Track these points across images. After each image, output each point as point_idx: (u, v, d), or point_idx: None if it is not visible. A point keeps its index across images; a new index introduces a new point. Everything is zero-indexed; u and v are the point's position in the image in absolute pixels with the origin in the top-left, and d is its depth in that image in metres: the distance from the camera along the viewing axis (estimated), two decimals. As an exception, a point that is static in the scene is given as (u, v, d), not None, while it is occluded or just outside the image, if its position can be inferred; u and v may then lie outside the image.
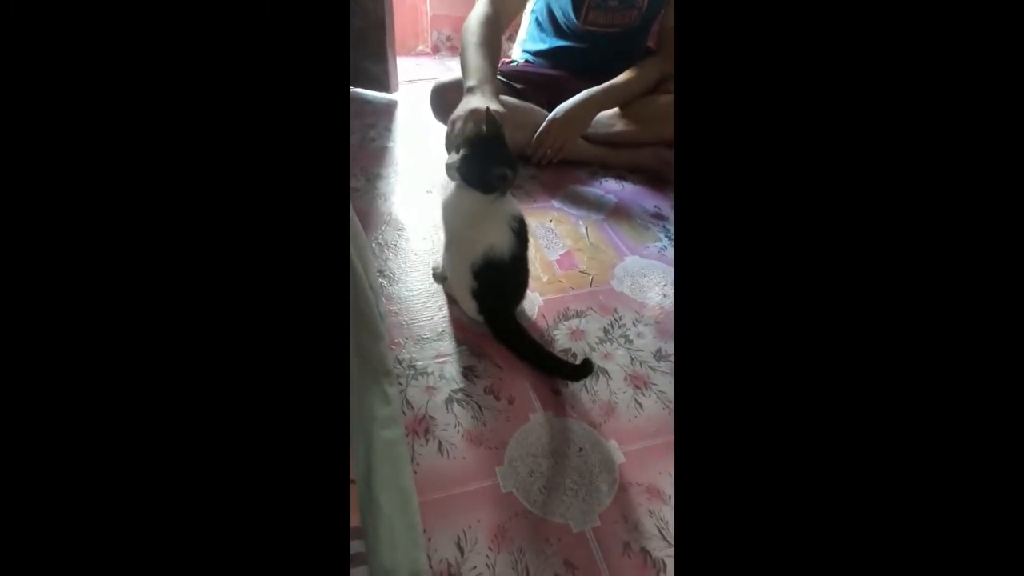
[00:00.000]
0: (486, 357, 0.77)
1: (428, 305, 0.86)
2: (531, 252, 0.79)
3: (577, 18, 1.24)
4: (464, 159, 0.71)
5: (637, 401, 0.72)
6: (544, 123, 1.21)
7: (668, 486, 0.62)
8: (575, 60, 1.31)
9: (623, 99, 1.23)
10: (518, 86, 1.32)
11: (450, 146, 0.90)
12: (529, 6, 1.35)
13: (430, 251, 0.97)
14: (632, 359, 0.78)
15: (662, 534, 0.58)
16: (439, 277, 0.89)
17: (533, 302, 0.87)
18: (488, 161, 0.70)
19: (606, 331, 0.83)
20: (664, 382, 0.75)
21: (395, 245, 0.99)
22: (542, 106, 1.26)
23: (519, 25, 1.44)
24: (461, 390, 0.72)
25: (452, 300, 0.85)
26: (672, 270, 0.96)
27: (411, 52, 2.05)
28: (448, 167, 0.73)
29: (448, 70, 1.80)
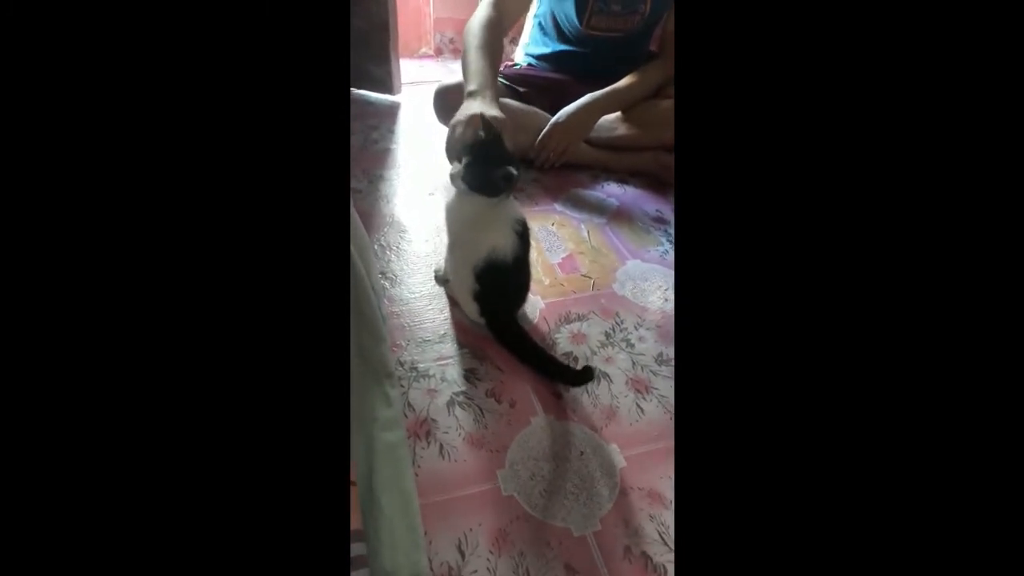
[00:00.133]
0: (488, 360, 0.77)
1: (430, 307, 0.86)
2: (533, 255, 0.79)
3: (580, 23, 1.24)
4: (467, 167, 0.71)
5: (638, 405, 0.72)
6: (547, 127, 1.21)
7: (669, 490, 0.62)
8: (578, 64, 1.31)
9: (626, 103, 1.24)
10: (521, 89, 1.32)
11: (450, 150, 0.91)
12: (532, 10, 1.35)
13: (432, 253, 0.97)
14: (634, 363, 0.78)
15: (663, 539, 0.57)
16: (441, 279, 0.89)
17: (535, 305, 0.87)
18: (490, 165, 0.70)
19: (608, 335, 0.83)
20: (665, 386, 0.75)
21: (397, 247, 0.99)
22: (545, 109, 1.26)
23: (522, 28, 1.45)
24: (462, 393, 0.72)
25: (454, 303, 0.85)
26: (673, 274, 0.96)
27: (414, 54, 2.06)
28: (452, 177, 0.73)
29: (451, 72, 1.81)
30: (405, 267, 0.94)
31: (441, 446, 0.65)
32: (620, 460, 0.65)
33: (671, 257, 1.01)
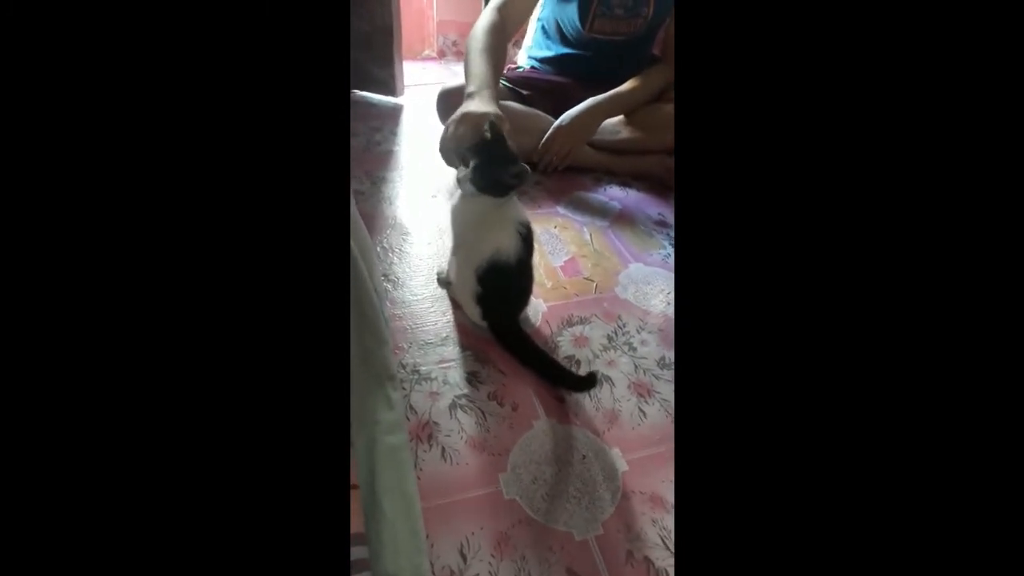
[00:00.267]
0: (490, 363, 0.77)
1: (432, 310, 0.86)
2: (535, 258, 0.79)
3: (583, 26, 1.25)
4: (475, 169, 0.71)
5: (640, 409, 0.72)
6: (550, 130, 1.21)
7: (671, 495, 0.62)
8: (581, 67, 1.31)
9: (628, 106, 1.24)
10: (524, 92, 1.32)
11: (444, 150, 0.91)
12: (535, 13, 1.35)
13: (435, 255, 0.97)
14: (636, 367, 0.78)
15: (665, 543, 0.57)
16: (443, 282, 0.89)
17: (537, 308, 0.87)
18: (498, 164, 0.70)
19: (610, 338, 0.83)
20: (668, 390, 0.75)
21: (400, 249, 0.99)
22: (547, 112, 1.27)
23: (526, 31, 1.45)
24: (465, 396, 0.72)
25: (456, 305, 0.85)
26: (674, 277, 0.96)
27: (417, 57, 2.07)
28: (460, 181, 0.73)
29: (454, 75, 1.81)
30: (407, 269, 0.94)
31: (443, 449, 0.65)
32: (622, 464, 0.65)
33: (673, 261, 1.01)
